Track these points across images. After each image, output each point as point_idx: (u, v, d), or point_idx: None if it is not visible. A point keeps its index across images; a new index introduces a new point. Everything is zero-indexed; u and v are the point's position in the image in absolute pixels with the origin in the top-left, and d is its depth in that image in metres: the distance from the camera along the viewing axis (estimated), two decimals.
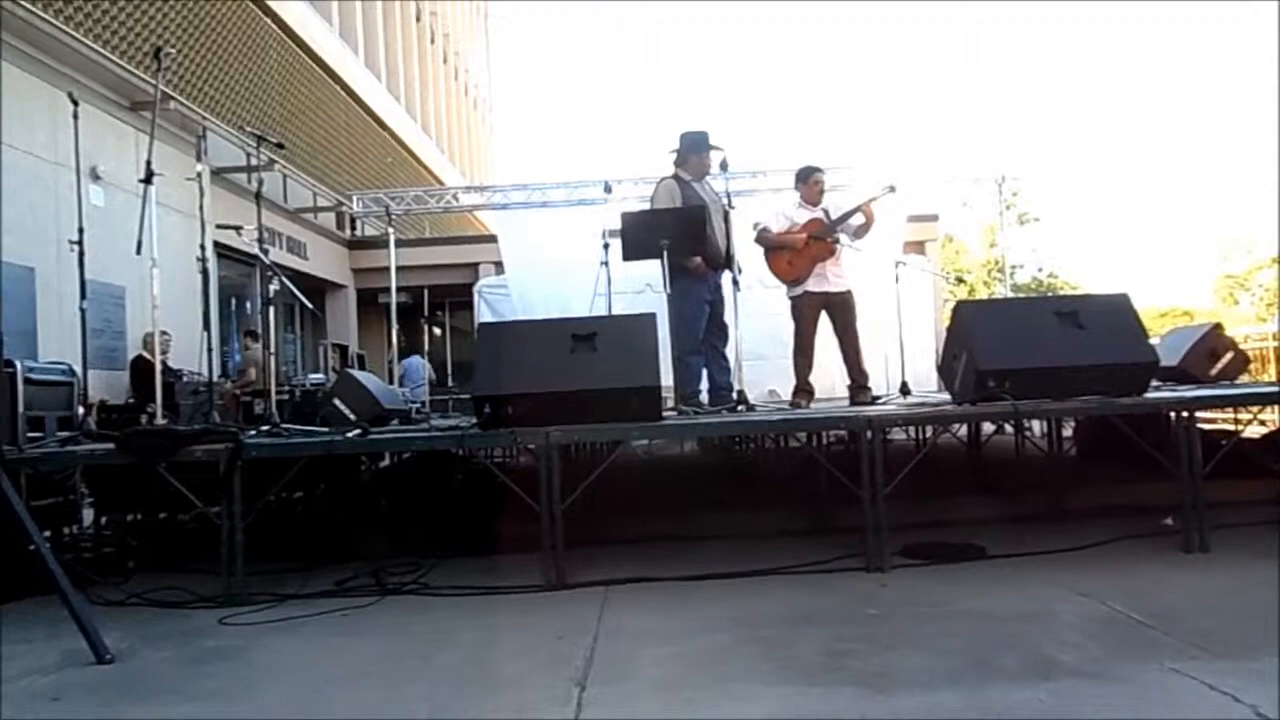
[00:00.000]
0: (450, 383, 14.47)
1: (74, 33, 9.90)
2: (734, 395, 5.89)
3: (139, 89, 10.78)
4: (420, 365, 12.90)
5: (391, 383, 9.96)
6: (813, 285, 6.34)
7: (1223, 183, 54.43)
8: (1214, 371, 6.66)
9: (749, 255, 6.58)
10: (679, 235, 5.80)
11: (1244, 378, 7.09)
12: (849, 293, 6.43)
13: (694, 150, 6.34)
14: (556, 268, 11.55)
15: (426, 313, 10.60)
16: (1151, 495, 4.88)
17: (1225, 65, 58.96)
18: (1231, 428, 7.27)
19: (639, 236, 5.92)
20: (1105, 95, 61.36)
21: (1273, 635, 2.86)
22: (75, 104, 5.53)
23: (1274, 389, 5.93)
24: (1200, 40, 56.62)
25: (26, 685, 3.04)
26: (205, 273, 5.58)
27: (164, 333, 8.66)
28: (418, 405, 8.48)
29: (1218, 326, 7.24)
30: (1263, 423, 7.03)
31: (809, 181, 6.57)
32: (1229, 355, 6.78)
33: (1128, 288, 5.20)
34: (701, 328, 6.18)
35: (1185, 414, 4.37)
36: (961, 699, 2.51)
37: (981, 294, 27.09)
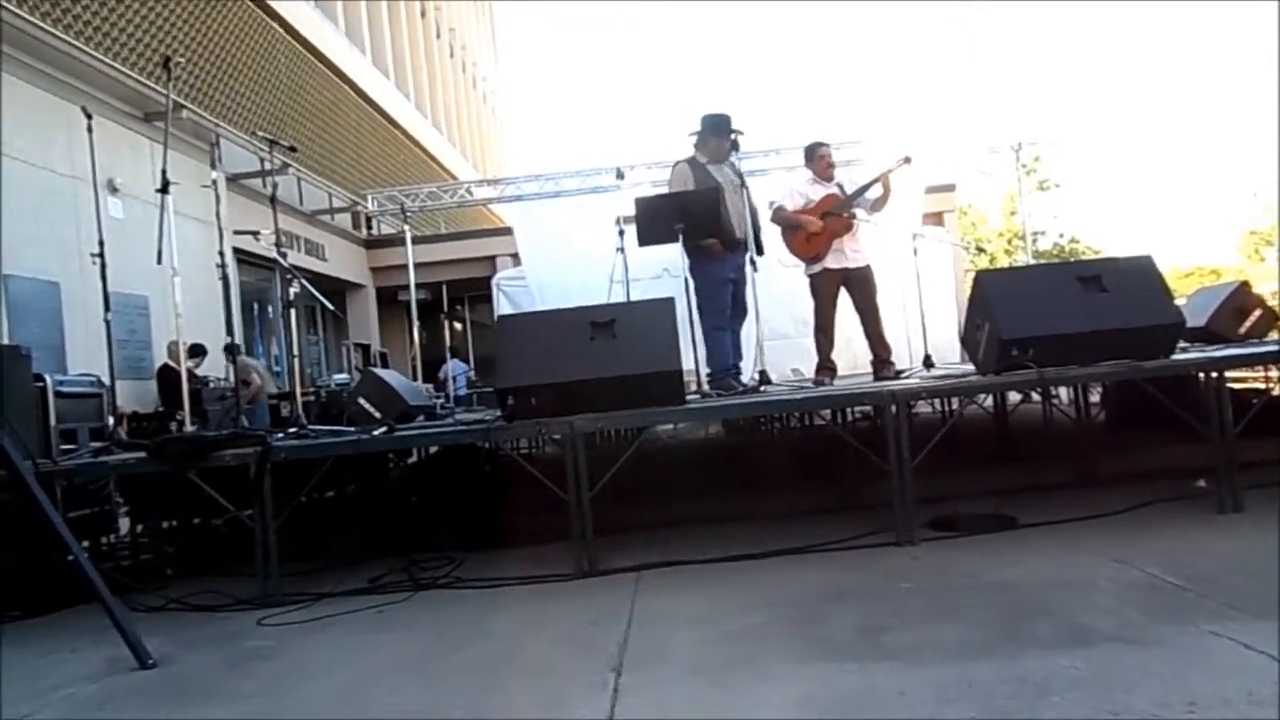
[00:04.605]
0: (473, 376, 14.53)
1: (85, 47, 9.98)
2: (740, 376, 5.97)
3: (151, 100, 10.87)
4: (455, 366, 12.99)
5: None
6: (831, 262, 6.31)
7: (1245, 138, 53.53)
8: (1242, 330, 6.58)
9: (766, 235, 6.56)
10: (694, 218, 5.79)
11: (1273, 335, 6.99)
12: (868, 267, 6.39)
13: (715, 133, 6.32)
14: (573, 257, 11.56)
15: (446, 308, 10.64)
16: (1183, 458, 4.84)
17: (1242, 24, 57.91)
18: (1262, 386, 7.18)
19: (654, 221, 5.92)
20: (1123, 55, 60.39)
21: None
22: (89, 117, 5.57)
23: None
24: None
25: (74, 693, 3.10)
26: (225, 279, 5.62)
27: (200, 346, 8.79)
28: (442, 400, 8.52)
29: (1244, 284, 7.15)
30: None
31: (815, 158, 6.55)
32: (1257, 313, 6.70)
33: (1151, 249, 5.16)
34: (726, 305, 6.19)
35: (1214, 374, 4.32)
36: (998, 669, 2.50)
37: (1003, 263, 26.87)
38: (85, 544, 4.49)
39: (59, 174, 9.23)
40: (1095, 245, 29.82)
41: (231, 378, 6.02)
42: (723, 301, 6.16)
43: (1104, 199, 55.16)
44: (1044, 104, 47.40)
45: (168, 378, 9.44)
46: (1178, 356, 4.67)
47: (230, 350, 6.26)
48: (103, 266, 5.44)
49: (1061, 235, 30.64)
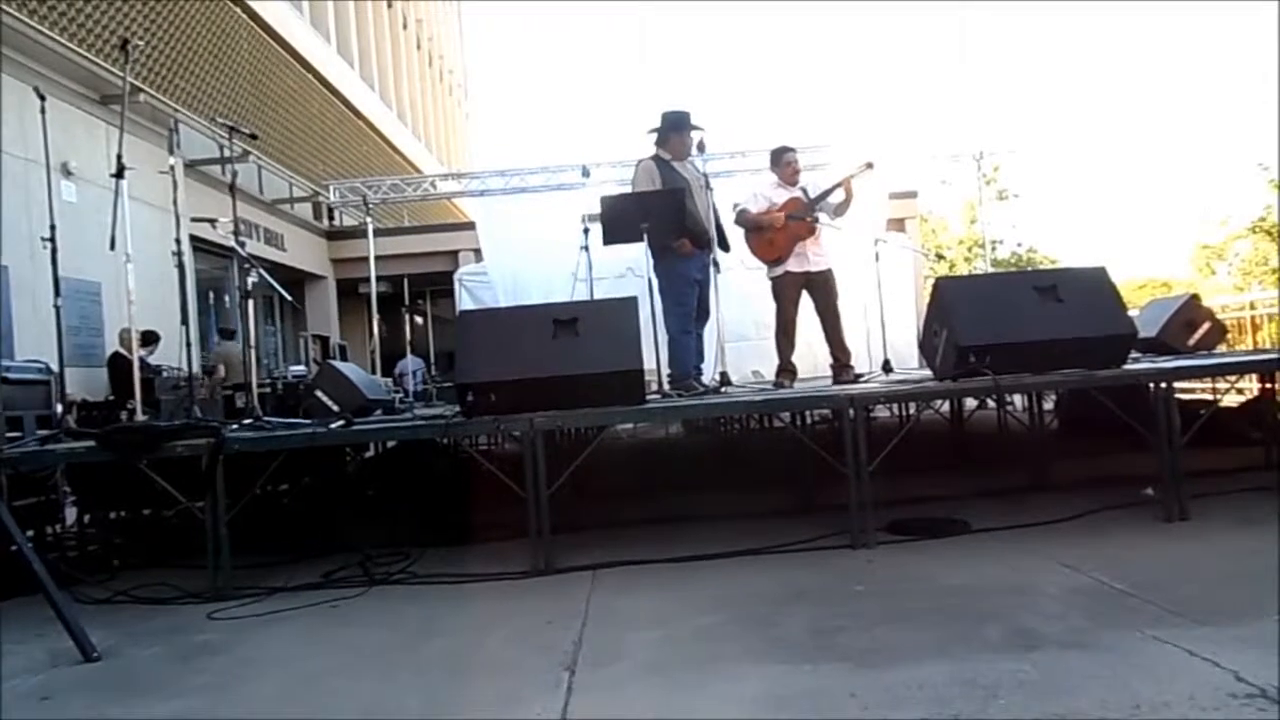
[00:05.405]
0: (433, 372, 14.43)
1: (39, 26, 9.76)
2: (701, 377, 5.99)
3: (108, 82, 10.65)
4: (412, 362, 12.85)
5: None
6: (793, 265, 6.35)
7: (1198, 154, 54.75)
8: (1192, 342, 6.72)
9: (729, 236, 6.58)
10: (660, 217, 5.79)
11: (1221, 347, 7.15)
12: (829, 271, 6.45)
13: (675, 130, 6.32)
14: (537, 253, 11.54)
15: (407, 302, 10.59)
16: (1132, 466, 4.94)
17: (1198, 39, 59.22)
18: (1210, 397, 7.35)
19: (619, 220, 5.91)
20: (1083, 70, 61.44)
21: (1252, 600, 2.91)
22: (42, 99, 5.44)
23: (1250, 358, 6.00)
24: (1173, 15, 56.76)
25: (15, 685, 3.02)
26: (181, 267, 5.53)
27: (153, 333, 8.61)
28: (401, 395, 8.44)
29: (1195, 297, 7.30)
30: (1240, 391, 7.10)
31: (782, 163, 6.58)
32: (1206, 325, 6.84)
33: (1106, 260, 5.26)
34: (692, 307, 6.19)
35: (1164, 385, 4.41)
36: (948, 672, 2.53)
37: (962, 270, 27.22)
38: (30, 533, 4.38)
39: (11, 155, 9.00)
40: (1051, 255, 30.27)
41: (185, 367, 5.87)
42: (689, 303, 6.16)
43: (1061, 210, 56.20)
44: (1005, 115, 48.10)
45: (119, 366, 9.25)
46: (1129, 366, 4.76)
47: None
48: (54, 251, 5.32)
49: (1019, 245, 31.06)
